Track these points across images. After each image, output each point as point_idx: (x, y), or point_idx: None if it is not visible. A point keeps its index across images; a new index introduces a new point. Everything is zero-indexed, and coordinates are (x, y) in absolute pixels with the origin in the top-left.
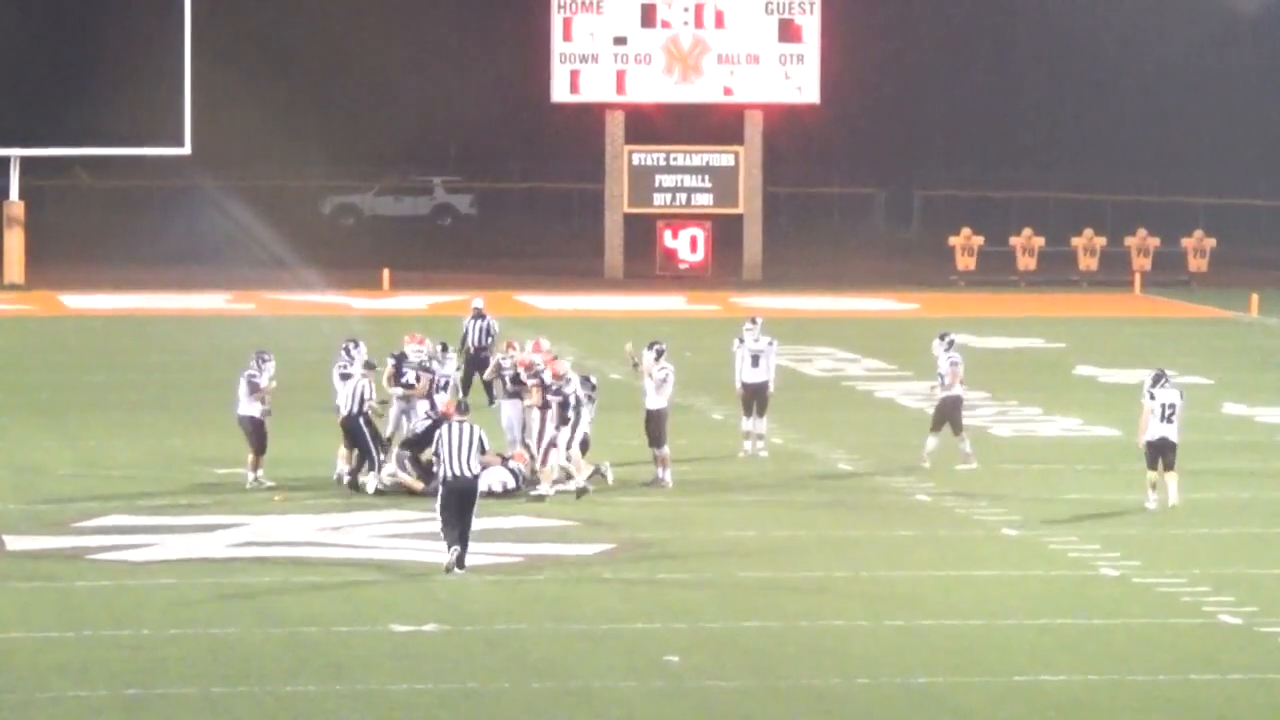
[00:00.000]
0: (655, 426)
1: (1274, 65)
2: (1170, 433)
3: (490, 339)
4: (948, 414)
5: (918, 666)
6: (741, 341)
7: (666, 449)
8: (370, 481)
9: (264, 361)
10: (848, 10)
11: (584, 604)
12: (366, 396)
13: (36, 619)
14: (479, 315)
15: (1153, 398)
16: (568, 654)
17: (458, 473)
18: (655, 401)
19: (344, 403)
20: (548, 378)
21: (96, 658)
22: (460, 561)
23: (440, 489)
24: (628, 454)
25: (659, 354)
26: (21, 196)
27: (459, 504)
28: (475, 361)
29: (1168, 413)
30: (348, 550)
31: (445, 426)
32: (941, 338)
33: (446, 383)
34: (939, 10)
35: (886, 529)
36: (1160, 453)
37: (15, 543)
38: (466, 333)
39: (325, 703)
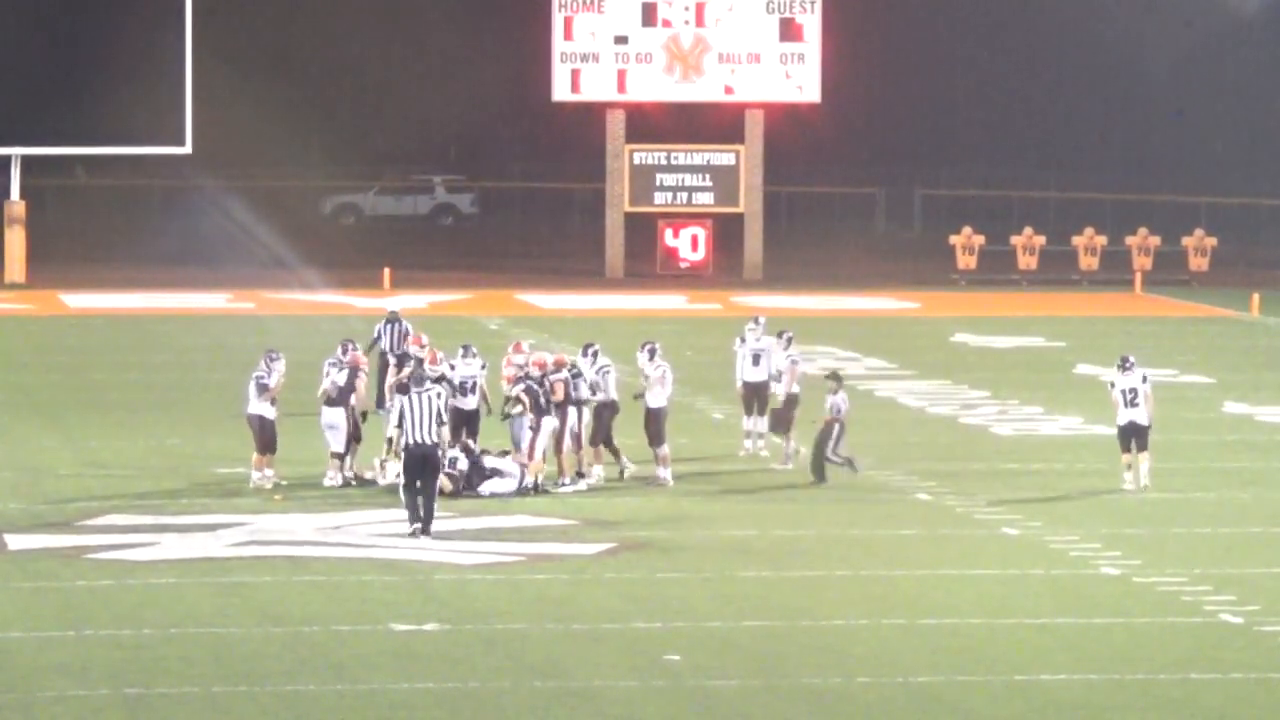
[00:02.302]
0: (655, 425)
1: (1275, 64)
2: (1138, 416)
3: (408, 341)
4: (785, 412)
5: (918, 665)
6: (743, 341)
7: (666, 448)
8: (392, 469)
9: (272, 361)
10: (849, 9)
11: (585, 603)
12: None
13: (37, 618)
14: (393, 319)
15: (1114, 385)
16: (568, 653)
17: (419, 440)
18: (654, 400)
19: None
20: (534, 372)
21: (97, 657)
22: (426, 528)
23: (402, 456)
24: (628, 453)
25: (652, 353)
26: (23, 196)
27: (420, 471)
28: (387, 365)
29: (1130, 398)
30: (348, 549)
31: (407, 397)
32: (779, 335)
33: (474, 384)
34: (940, 9)
35: (887, 528)
36: (1131, 436)
37: (16, 542)
38: (379, 336)
39: (326, 702)
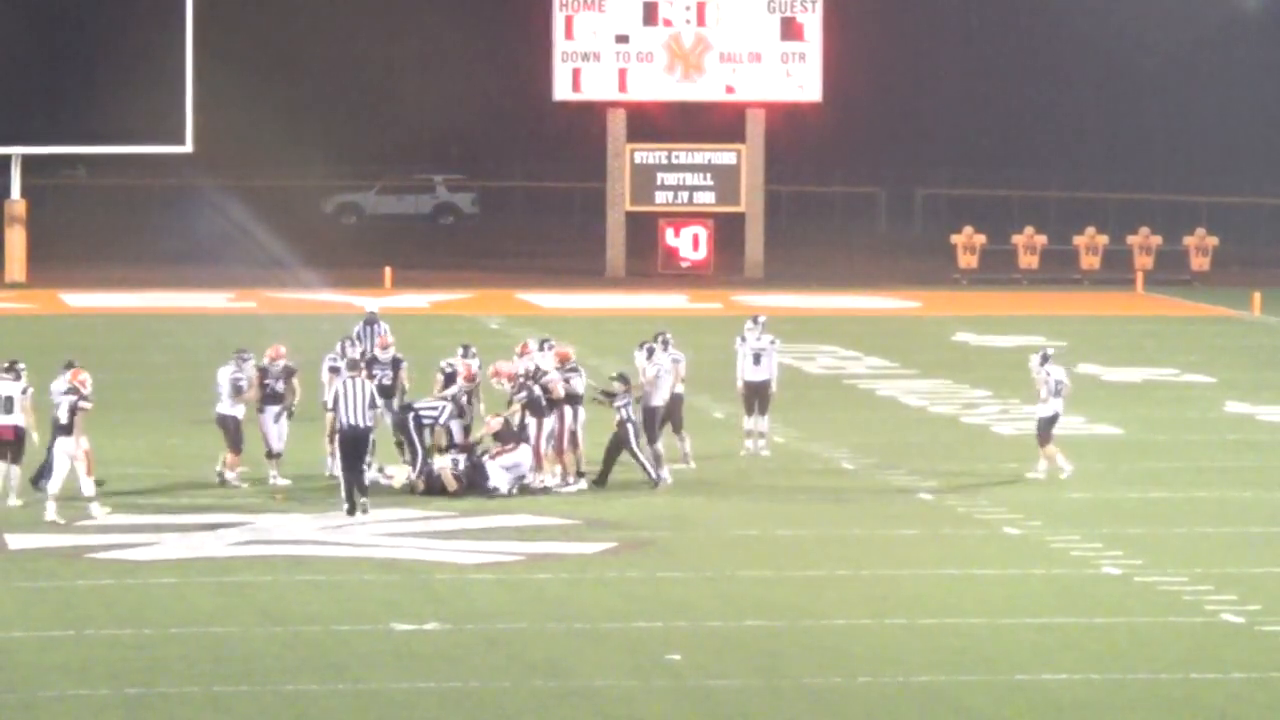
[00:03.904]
0: (651, 424)
1: (1277, 63)
2: (1061, 407)
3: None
4: (671, 412)
5: (919, 665)
6: (743, 340)
7: (660, 446)
8: (400, 474)
9: (244, 361)
10: (850, 8)
11: (586, 603)
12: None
13: (38, 618)
14: (372, 320)
15: (1050, 374)
16: (569, 653)
17: (351, 422)
18: (656, 399)
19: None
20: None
21: (98, 657)
22: (364, 507)
23: (337, 438)
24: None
25: (650, 352)
26: (23, 195)
27: (353, 451)
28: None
29: (1059, 388)
30: (349, 549)
31: (341, 382)
32: (656, 338)
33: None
34: (941, 9)
35: (888, 528)
36: (1052, 426)
37: (16, 541)
38: (358, 338)
39: (326, 701)
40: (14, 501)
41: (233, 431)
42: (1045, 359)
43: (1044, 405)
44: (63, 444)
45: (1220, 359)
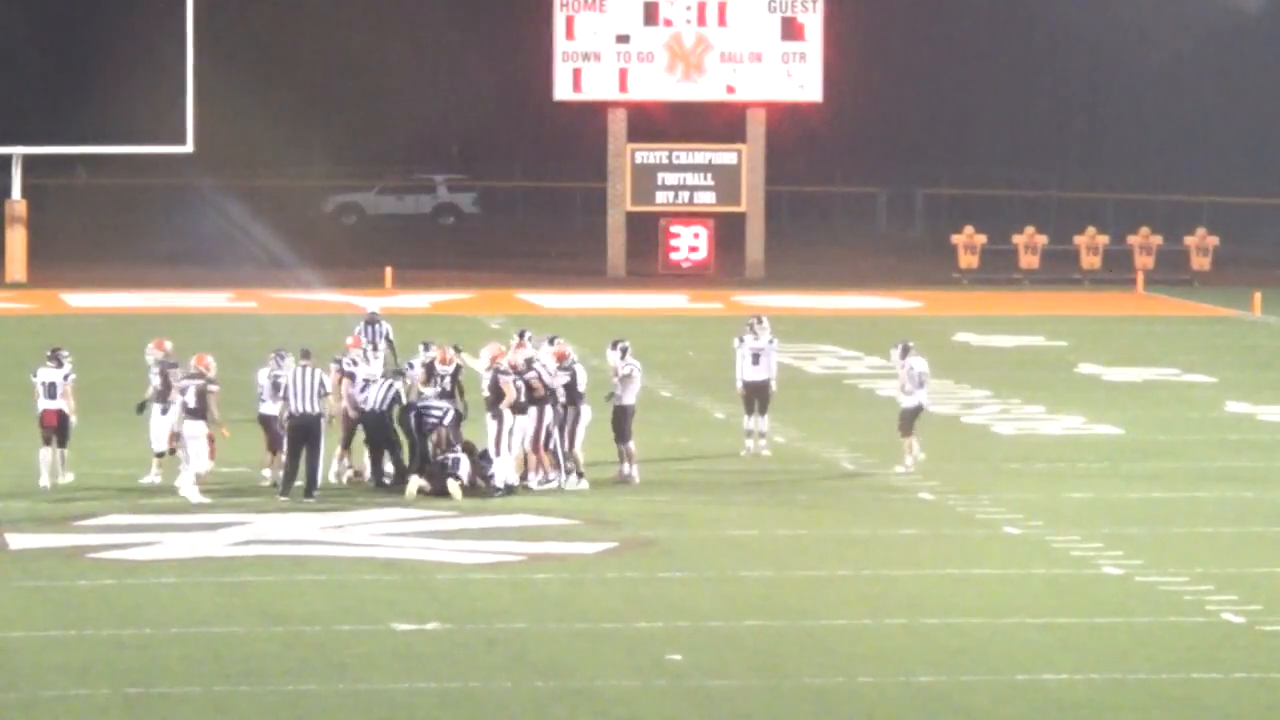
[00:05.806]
0: (622, 421)
1: (1277, 63)
2: (924, 399)
3: (388, 344)
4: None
5: (920, 665)
6: (743, 340)
7: (632, 444)
8: (412, 484)
9: (283, 360)
10: (850, 8)
11: (586, 603)
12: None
13: (38, 618)
14: (373, 319)
15: (913, 369)
16: (570, 653)
17: (302, 410)
18: (626, 398)
19: (372, 400)
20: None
21: (98, 657)
22: (310, 492)
23: (286, 424)
24: (611, 453)
25: (624, 352)
26: (24, 195)
27: (303, 439)
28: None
29: (922, 380)
30: (350, 549)
31: (291, 371)
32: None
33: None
34: (942, 8)
35: (889, 528)
36: (915, 417)
37: (17, 541)
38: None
39: (327, 702)
40: (66, 477)
41: (274, 430)
42: (906, 351)
43: (908, 397)
44: (191, 427)
45: (1221, 359)
